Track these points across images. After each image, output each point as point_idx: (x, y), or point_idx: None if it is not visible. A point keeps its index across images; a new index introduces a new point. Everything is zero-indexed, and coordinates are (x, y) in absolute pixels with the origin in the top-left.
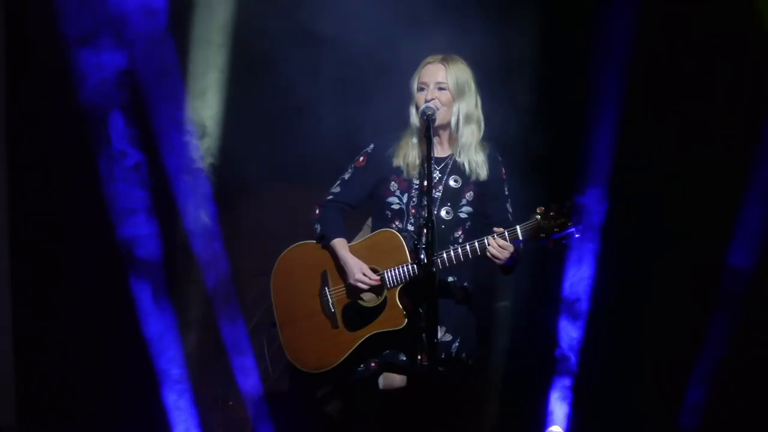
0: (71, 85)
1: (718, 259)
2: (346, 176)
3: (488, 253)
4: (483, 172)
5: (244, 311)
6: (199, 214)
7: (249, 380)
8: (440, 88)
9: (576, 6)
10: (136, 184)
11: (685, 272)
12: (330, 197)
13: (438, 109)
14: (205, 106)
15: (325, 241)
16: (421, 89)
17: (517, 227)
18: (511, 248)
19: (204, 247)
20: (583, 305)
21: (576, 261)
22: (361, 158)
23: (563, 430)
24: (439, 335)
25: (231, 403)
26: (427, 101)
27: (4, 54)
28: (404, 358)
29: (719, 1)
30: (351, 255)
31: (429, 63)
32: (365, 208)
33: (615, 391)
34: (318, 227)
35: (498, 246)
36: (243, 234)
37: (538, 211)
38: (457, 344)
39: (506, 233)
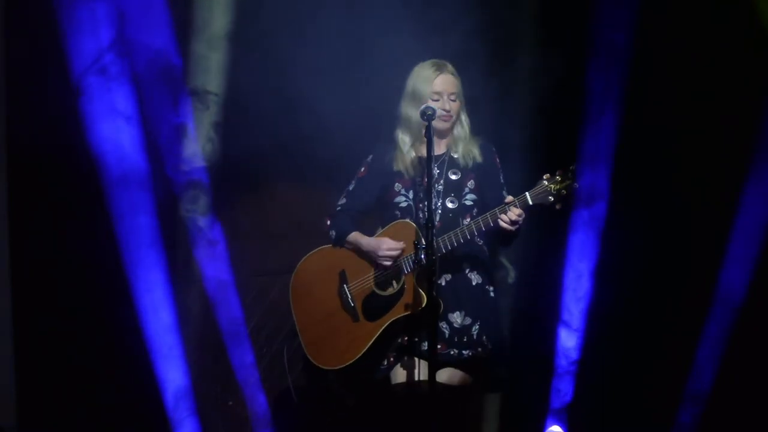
0: (69, 82)
1: (718, 260)
2: (351, 187)
3: (502, 223)
4: (478, 156)
5: (244, 311)
6: (199, 215)
7: (249, 380)
8: (452, 99)
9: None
10: (136, 184)
11: (686, 273)
12: (338, 209)
13: (450, 114)
14: (205, 108)
15: (341, 241)
16: (435, 99)
17: (526, 193)
18: (523, 215)
19: (204, 247)
20: (584, 306)
21: (576, 261)
22: (362, 168)
23: (563, 430)
24: (459, 320)
25: (231, 403)
26: (446, 111)
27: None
28: (423, 347)
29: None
30: (371, 238)
31: (440, 72)
32: (374, 218)
33: (615, 392)
34: (333, 233)
35: (516, 215)
36: (243, 234)
37: (544, 177)
38: (478, 327)
39: (516, 201)
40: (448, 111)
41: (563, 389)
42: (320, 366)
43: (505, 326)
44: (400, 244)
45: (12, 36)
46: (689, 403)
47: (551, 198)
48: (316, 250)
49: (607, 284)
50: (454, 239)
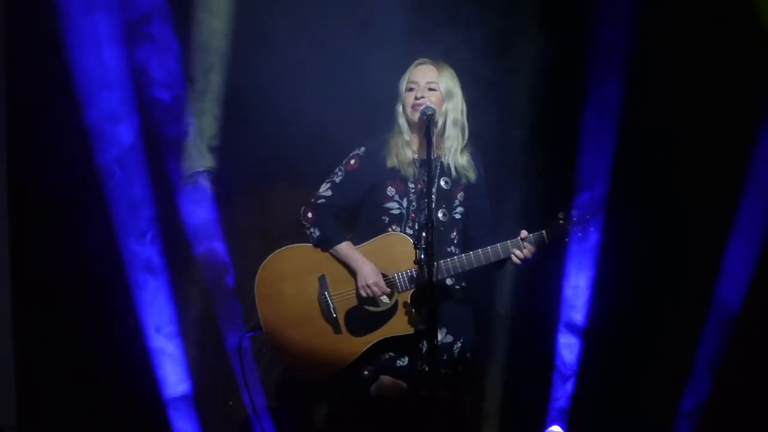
0: (70, 83)
1: (718, 261)
2: (337, 179)
3: (515, 258)
4: (472, 174)
5: (243, 311)
6: (199, 216)
7: (249, 380)
8: (431, 89)
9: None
10: (137, 184)
11: (685, 274)
12: (321, 200)
13: (421, 101)
14: (204, 108)
15: (326, 245)
16: (410, 89)
17: (543, 232)
18: (536, 253)
19: (204, 247)
20: (584, 307)
21: (576, 265)
22: (353, 161)
23: (563, 430)
24: (440, 337)
25: (230, 403)
26: (417, 99)
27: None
28: (402, 363)
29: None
30: (366, 259)
31: (420, 64)
32: (355, 214)
33: (615, 393)
34: (316, 231)
35: (531, 253)
36: (243, 234)
37: (560, 216)
38: (460, 345)
39: (531, 237)
40: (420, 98)
41: (563, 390)
42: (296, 373)
43: (486, 344)
44: (386, 291)
45: (12, 36)
46: (689, 405)
47: (566, 240)
48: (290, 246)
49: (607, 285)
50: (458, 266)
